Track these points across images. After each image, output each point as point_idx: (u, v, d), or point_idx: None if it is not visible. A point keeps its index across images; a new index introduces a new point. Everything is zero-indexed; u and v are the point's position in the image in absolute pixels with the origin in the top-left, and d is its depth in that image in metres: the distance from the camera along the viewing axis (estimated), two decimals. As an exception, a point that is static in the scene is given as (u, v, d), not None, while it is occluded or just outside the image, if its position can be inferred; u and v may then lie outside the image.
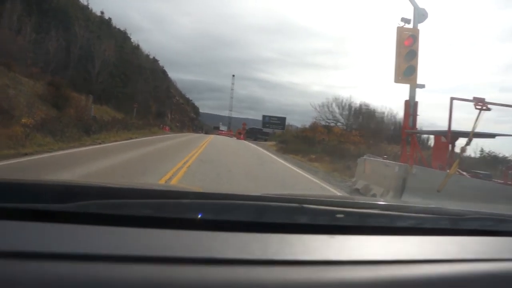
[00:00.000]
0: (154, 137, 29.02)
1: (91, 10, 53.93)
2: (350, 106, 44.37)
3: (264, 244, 0.91)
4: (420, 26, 11.52)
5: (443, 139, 10.49)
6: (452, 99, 9.27)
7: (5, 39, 25.40)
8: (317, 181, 11.90)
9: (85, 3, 52.69)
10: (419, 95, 12.06)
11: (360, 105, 44.85)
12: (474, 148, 19.98)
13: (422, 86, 11.86)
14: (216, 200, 1.20)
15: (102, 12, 56.56)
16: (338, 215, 1.13)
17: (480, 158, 19.66)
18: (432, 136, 14.49)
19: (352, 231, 1.08)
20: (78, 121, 19.33)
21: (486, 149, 19.84)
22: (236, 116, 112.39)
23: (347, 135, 36.01)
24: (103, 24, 53.73)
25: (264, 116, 67.27)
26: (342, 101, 44.31)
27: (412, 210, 1.38)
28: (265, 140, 49.55)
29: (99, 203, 0.97)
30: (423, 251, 1.04)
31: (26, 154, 10.43)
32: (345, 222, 1.12)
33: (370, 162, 10.46)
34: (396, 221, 1.21)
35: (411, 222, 1.22)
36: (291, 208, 1.11)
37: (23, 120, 14.84)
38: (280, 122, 65.29)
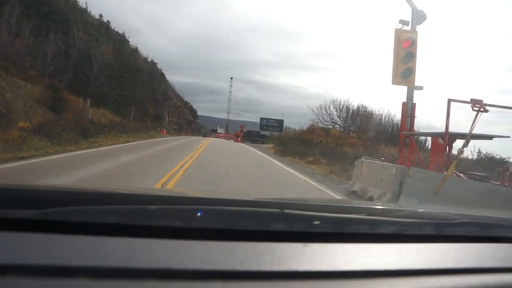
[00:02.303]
0: (151, 140, 28.98)
1: (90, 13, 54.03)
2: (347, 108, 44.39)
3: (230, 253, 0.85)
4: (418, 28, 11.55)
5: (440, 140, 10.48)
6: (449, 100, 9.25)
7: (3, 42, 25.37)
8: (314, 183, 11.88)
9: (84, 6, 52.85)
10: (418, 96, 12.07)
11: (358, 107, 44.90)
12: (472, 150, 19.90)
13: (420, 88, 11.81)
14: (186, 205, 1.13)
15: (100, 15, 56.65)
16: (315, 222, 1.06)
17: (477, 159, 19.61)
18: (429, 138, 14.49)
19: (331, 239, 1.02)
20: (76, 124, 19.30)
21: (484, 151, 19.75)
22: (234, 119, 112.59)
23: (345, 137, 36.05)
24: (102, 27, 53.68)
25: (262, 119, 67.29)
26: (340, 103, 44.34)
27: (397, 215, 1.32)
28: (263, 143, 49.53)
29: (62, 210, 0.91)
30: (399, 260, 0.96)
31: (22, 158, 10.40)
32: (322, 229, 1.05)
33: (368, 164, 10.45)
34: (377, 227, 1.14)
35: (393, 229, 1.15)
36: (266, 213, 1.06)
37: (20, 124, 14.81)
38: (278, 124, 65.34)
